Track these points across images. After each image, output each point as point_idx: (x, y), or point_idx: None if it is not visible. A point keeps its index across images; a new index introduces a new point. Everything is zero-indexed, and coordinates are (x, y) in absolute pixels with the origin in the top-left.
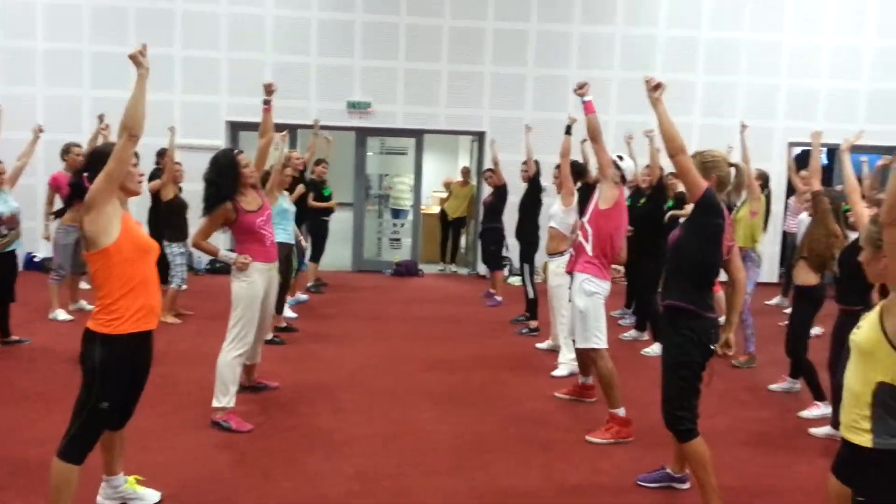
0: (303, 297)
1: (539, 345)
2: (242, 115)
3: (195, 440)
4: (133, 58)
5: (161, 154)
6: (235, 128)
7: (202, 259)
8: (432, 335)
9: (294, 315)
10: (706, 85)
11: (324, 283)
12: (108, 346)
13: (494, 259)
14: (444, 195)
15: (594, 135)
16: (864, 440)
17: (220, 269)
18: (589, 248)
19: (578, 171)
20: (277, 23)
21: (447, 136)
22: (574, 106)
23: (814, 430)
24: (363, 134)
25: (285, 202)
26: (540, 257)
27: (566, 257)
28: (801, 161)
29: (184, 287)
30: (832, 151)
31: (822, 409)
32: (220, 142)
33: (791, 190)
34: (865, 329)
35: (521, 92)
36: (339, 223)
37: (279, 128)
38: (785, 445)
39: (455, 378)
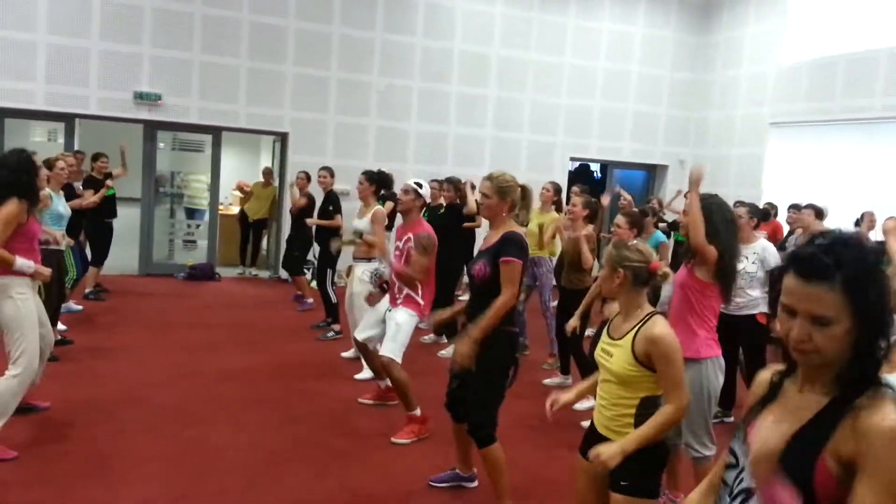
0: (75, 306)
1: (344, 353)
2: (14, 101)
3: None
4: None
5: None
6: (2, 114)
7: None
8: (228, 343)
9: (64, 327)
10: (497, 99)
11: (105, 289)
12: None
13: (297, 264)
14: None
15: None
16: None
17: None
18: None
19: (380, 181)
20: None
21: (248, 134)
22: (377, 111)
23: (585, 423)
24: (152, 127)
25: (61, 205)
26: (345, 261)
27: (375, 263)
28: (578, 176)
29: None
30: (605, 166)
31: (591, 402)
32: None
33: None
34: (619, 359)
35: (325, 94)
36: (125, 220)
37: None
38: (562, 438)
39: (252, 389)
